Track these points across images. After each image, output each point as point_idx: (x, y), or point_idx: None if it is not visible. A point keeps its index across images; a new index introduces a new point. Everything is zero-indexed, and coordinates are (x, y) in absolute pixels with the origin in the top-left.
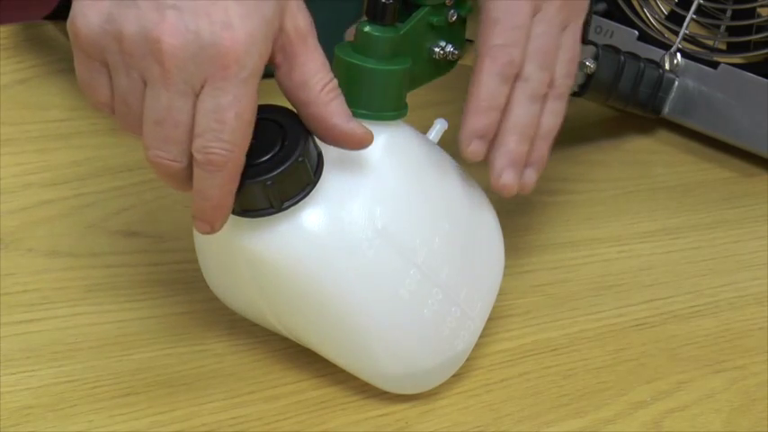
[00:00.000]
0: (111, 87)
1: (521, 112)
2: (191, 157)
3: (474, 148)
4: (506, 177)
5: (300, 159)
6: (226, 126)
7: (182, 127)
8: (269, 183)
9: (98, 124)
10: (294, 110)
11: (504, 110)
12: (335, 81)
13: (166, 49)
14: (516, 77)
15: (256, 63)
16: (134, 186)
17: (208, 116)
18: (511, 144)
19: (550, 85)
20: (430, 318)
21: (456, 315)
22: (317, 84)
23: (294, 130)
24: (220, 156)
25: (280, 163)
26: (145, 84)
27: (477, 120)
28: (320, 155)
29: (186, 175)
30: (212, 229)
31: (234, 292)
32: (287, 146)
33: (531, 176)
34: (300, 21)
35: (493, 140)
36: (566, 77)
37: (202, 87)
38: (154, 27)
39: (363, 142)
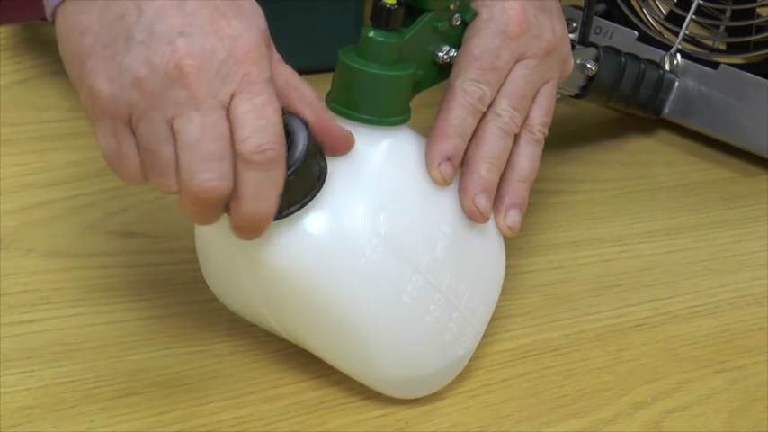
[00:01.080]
0: (137, 149)
1: (492, 144)
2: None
3: (443, 169)
4: (479, 201)
5: (312, 151)
6: (269, 121)
7: (221, 141)
8: (291, 178)
9: None
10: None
11: (474, 142)
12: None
13: (189, 71)
14: (487, 111)
15: (269, 65)
16: (133, 187)
17: (249, 117)
18: (482, 172)
19: (525, 127)
20: (431, 323)
21: (457, 321)
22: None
23: (295, 126)
24: (275, 149)
25: (294, 158)
26: (170, 123)
27: (444, 143)
28: (324, 159)
29: (226, 201)
30: (259, 233)
31: (234, 294)
32: (291, 152)
33: (515, 217)
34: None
35: (464, 168)
36: (542, 125)
37: (234, 97)
38: (170, 58)
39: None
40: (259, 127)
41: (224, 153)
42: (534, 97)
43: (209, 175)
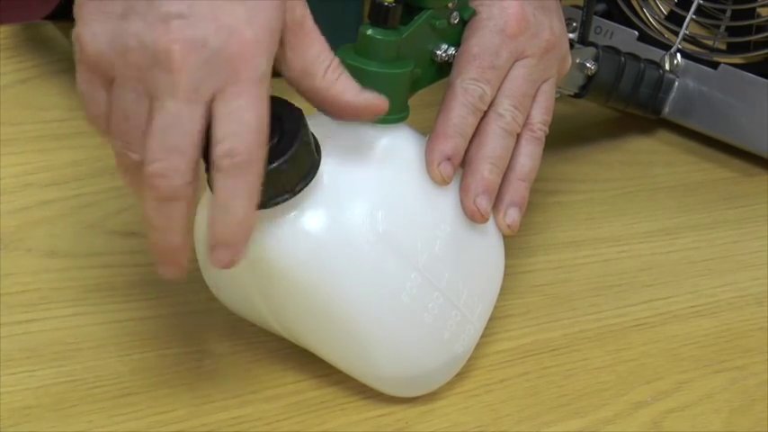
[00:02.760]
0: (109, 103)
1: (495, 144)
2: (193, 176)
3: (443, 169)
4: (480, 202)
5: (306, 140)
6: (248, 127)
7: (190, 137)
8: (284, 167)
9: None
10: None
11: (476, 141)
12: (337, 60)
13: (176, 58)
14: (488, 112)
15: (267, 63)
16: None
17: (228, 119)
18: (485, 172)
19: (526, 126)
20: (430, 321)
21: (456, 319)
22: (319, 68)
23: (288, 116)
24: (246, 157)
25: (287, 147)
26: (150, 98)
27: (445, 142)
28: (319, 148)
29: (186, 196)
30: (235, 254)
31: (234, 294)
32: (287, 131)
33: (515, 215)
34: (297, 10)
35: (466, 168)
36: (543, 123)
37: (216, 94)
38: (160, 38)
39: (379, 110)
40: (233, 131)
41: (189, 149)
42: (534, 96)
43: (163, 165)
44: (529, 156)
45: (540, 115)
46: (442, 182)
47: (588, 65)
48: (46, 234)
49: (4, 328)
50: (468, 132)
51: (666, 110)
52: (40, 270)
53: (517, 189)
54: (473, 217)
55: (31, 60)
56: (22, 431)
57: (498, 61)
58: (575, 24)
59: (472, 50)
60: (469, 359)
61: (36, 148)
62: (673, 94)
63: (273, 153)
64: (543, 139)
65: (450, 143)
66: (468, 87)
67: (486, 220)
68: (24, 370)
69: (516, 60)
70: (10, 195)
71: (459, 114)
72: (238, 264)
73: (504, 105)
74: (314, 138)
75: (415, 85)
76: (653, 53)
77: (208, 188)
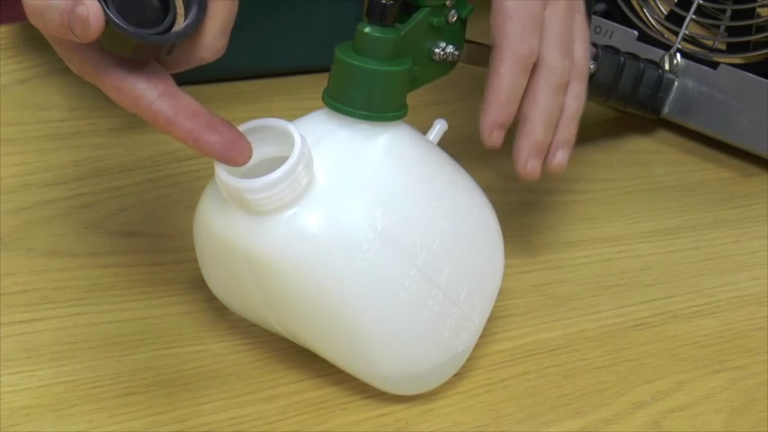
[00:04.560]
0: None
1: (546, 101)
2: None
3: (495, 137)
4: (531, 165)
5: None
6: None
7: None
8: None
9: (97, 124)
10: None
11: (530, 99)
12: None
13: None
14: (537, 66)
15: None
16: (133, 186)
17: None
18: (538, 134)
19: (572, 67)
20: (430, 319)
21: (456, 316)
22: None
23: None
24: None
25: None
26: None
27: (499, 112)
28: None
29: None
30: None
31: (234, 293)
32: None
33: (563, 157)
34: None
35: (520, 127)
36: (584, 59)
37: None
38: None
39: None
40: None
41: None
42: (572, 33)
43: None
44: (576, 96)
45: (582, 51)
46: (493, 148)
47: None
48: (46, 234)
49: (4, 328)
50: (520, 95)
51: (666, 110)
52: (40, 270)
53: (566, 129)
54: (524, 178)
55: (31, 60)
56: (22, 431)
57: (535, 9)
58: None
59: (505, 8)
60: (469, 359)
61: (36, 147)
62: (672, 94)
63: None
64: (587, 75)
65: (505, 111)
66: (516, 48)
67: (538, 177)
68: (24, 370)
69: (545, 6)
70: (10, 195)
71: (511, 80)
72: (238, 264)
73: (553, 57)
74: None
75: (414, 83)
76: (653, 53)
77: (210, 183)
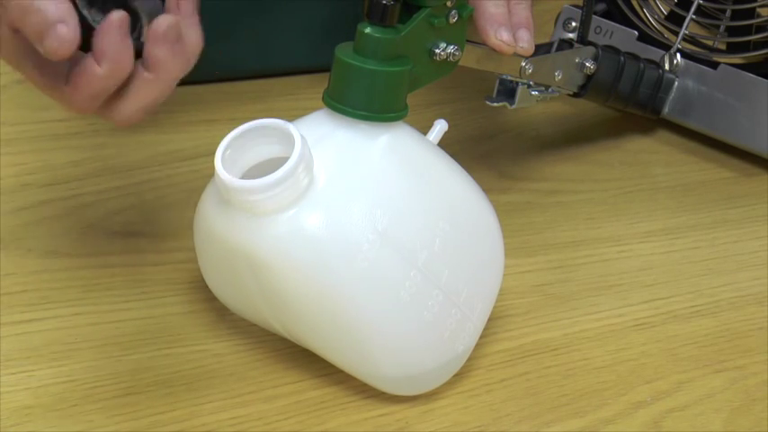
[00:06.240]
0: None
1: None
2: None
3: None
4: (501, 34)
5: None
6: None
7: None
8: None
9: (97, 124)
10: None
11: None
12: None
13: None
14: None
15: None
16: (133, 186)
17: None
18: (491, 8)
19: None
20: (430, 320)
21: (456, 317)
22: None
23: None
24: None
25: None
26: None
27: (494, 20)
28: None
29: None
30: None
31: (234, 294)
32: None
33: (526, 35)
34: None
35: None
36: None
37: None
38: None
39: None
40: None
41: None
42: None
43: None
44: None
45: None
46: (507, 48)
47: (587, 64)
48: (45, 234)
49: (4, 327)
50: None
51: (666, 110)
52: (40, 270)
53: (518, 11)
54: (501, 50)
55: None
56: (22, 431)
57: None
58: (574, 24)
59: None
60: (469, 359)
61: (35, 148)
62: (672, 94)
63: None
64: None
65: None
66: None
67: (513, 48)
68: (24, 370)
69: None
70: (10, 195)
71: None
72: (238, 264)
73: None
74: None
75: (414, 84)
76: (653, 53)
77: (210, 183)
